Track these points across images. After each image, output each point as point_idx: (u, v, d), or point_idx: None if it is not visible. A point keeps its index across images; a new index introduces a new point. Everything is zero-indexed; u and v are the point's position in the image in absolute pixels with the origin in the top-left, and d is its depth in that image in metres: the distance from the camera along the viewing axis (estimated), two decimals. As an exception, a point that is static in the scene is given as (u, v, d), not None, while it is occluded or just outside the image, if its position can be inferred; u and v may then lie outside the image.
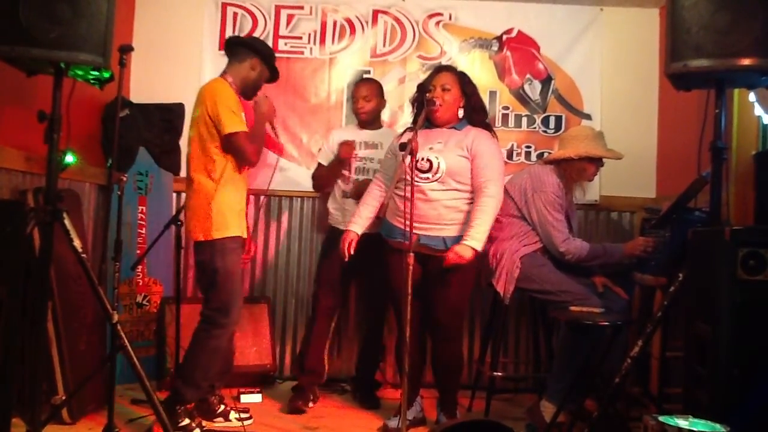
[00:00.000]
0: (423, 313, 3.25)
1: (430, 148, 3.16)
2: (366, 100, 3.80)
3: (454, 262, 3.04)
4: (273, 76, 3.36)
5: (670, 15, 2.57)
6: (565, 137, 3.59)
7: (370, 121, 3.85)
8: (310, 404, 3.63)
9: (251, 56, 3.22)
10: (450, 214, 3.13)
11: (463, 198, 3.15)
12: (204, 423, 3.19)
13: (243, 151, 3.08)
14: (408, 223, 3.05)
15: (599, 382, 2.90)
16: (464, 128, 3.24)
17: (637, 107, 4.38)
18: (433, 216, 3.12)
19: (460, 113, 3.26)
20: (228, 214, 3.10)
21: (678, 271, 2.63)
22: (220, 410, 3.29)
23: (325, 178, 3.88)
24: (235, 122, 3.05)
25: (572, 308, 3.10)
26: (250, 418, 3.32)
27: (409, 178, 3.06)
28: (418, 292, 3.18)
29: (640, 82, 4.37)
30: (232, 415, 3.28)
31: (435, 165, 3.12)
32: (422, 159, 3.12)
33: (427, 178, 3.12)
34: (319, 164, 3.92)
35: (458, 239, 3.09)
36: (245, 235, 3.23)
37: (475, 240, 3.03)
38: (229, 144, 3.06)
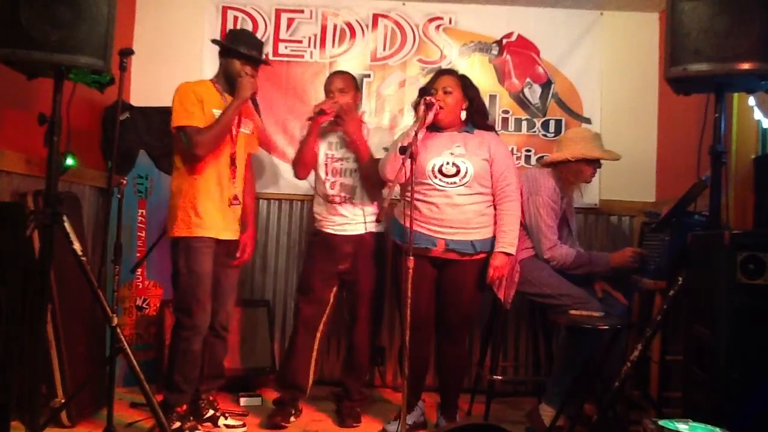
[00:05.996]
0: (435, 318, 3.28)
1: (451, 153, 3.17)
2: (342, 92, 3.45)
3: (498, 277, 3.17)
4: (247, 57, 3.15)
5: (669, 19, 2.58)
6: (562, 139, 3.60)
7: (347, 115, 3.43)
8: (292, 419, 3.44)
9: (220, 53, 3.25)
10: (476, 218, 3.16)
11: (486, 201, 3.19)
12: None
13: (186, 143, 3.05)
14: (435, 229, 3.14)
15: (598, 385, 2.90)
16: (475, 131, 3.26)
17: (637, 111, 4.38)
18: (461, 220, 3.13)
19: (463, 115, 3.26)
20: (194, 212, 3.09)
21: (677, 275, 2.63)
22: (208, 415, 3.26)
23: (300, 152, 3.50)
24: (180, 116, 3.06)
25: (572, 312, 3.10)
26: (243, 426, 3.27)
27: (430, 181, 3.13)
28: (431, 296, 3.23)
29: (639, 86, 4.37)
30: (221, 421, 3.25)
31: (463, 170, 3.13)
32: (447, 163, 3.14)
33: (454, 182, 3.13)
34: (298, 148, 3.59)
35: (486, 242, 3.17)
36: (221, 237, 3.15)
37: (510, 246, 3.16)
38: (175, 138, 3.11)
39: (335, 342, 4.31)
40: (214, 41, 3.36)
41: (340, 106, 3.38)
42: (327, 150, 3.54)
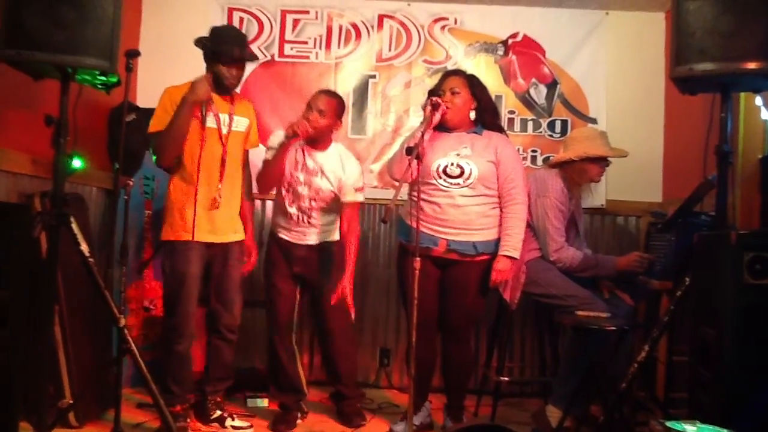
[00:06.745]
0: (438, 318, 3.27)
1: (457, 154, 3.16)
2: (321, 114, 3.28)
3: (501, 279, 3.15)
4: (226, 55, 3.11)
5: (674, 19, 2.57)
6: (568, 140, 3.59)
7: (316, 139, 3.34)
8: (299, 421, 3.43)
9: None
10: (479, 220, 3.15)
11: (491, 203, 3.18)
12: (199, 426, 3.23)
13: (153, 150, 3.15)
14: (437, 229, 3.14)
15: (605, 386, 2.90)
16: (484, 132, 3.25)
17: (643, 111, 4.37)
18: (463, 221, 3.13)
19: (472, 115, 3.25)
20: (178, 216, 3.12)
21: (684, 276, 2.62)
22: (215, 416, 3.26)
23: (266, 170, 3.34)
24: (153, 123, 3.12)
25: (578, 313, 3.10)
26: (250, 426, 3.28)
27: (434, 181, 3.14)
28: (435, 297, 3.23)
29: (645, 85, 4.36)
30: (228, 422, 3.25)
31: (467, 171, 3.12)
32: (452, 164, 3.14)
33: (458, 183, 3.12)
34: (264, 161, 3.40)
35: (489, 244, 3.16)
36: (209, 240, 3.16)
37: (514, 249, 3.13)
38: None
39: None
40: (196, 43, 3.20)
41: (311, 130, 3.24)
42: (292, 169, 3.39)
